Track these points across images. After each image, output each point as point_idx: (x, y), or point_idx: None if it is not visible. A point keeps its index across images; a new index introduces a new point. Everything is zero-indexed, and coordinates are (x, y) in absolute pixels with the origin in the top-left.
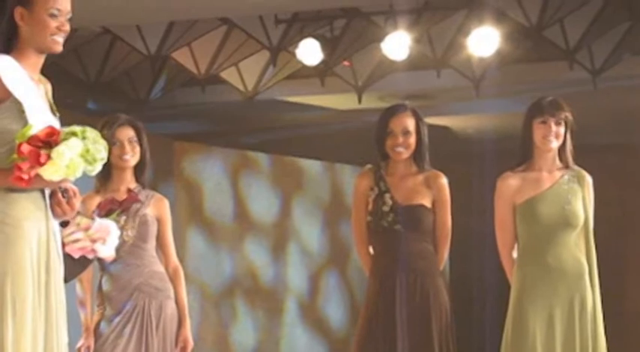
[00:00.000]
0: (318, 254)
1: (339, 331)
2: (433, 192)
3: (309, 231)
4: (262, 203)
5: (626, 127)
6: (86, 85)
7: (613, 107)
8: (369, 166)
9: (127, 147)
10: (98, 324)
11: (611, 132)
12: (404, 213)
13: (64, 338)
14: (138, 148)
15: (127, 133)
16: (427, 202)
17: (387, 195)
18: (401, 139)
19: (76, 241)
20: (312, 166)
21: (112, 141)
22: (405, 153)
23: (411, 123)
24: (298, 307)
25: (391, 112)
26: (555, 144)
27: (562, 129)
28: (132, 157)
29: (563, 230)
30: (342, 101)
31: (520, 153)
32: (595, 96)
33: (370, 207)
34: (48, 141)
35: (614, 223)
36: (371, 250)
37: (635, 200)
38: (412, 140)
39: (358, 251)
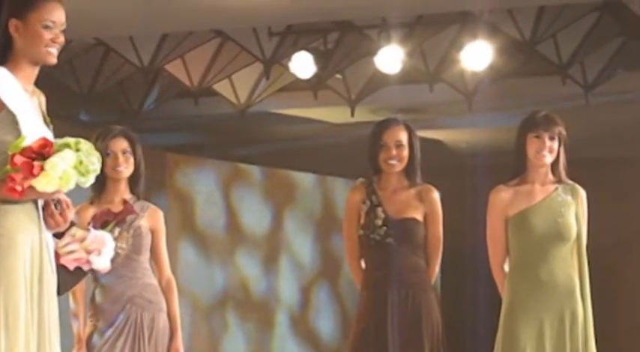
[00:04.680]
0: (310, 267)
1: (330, 344)
2: (425, 206)
3: (300, 244)
4: (254, 215)
5: (618, 142)
6: (79, 96)
7: (605, 122)
8: (361, 180)
9: (121, 159)
10: (90, 336)
11: (603, 146)
12: (396, 227)
13: (57, 350)
14: (132, 160)
15: (121, 145)
16: (419, 216)
17: (380, 209)
18: (394, 152)
19: (71, 252)
20: (304, 179)
21: (105, 153)
22: (398, 166)
23: (404, 137)
24: (289, 319)
25: (384, 125)
26: (549, 158)
27: (555, 144)
28: (125, 169)
29: (555, 243)
30: (334, 114)
31: (513, 167)
32: (587, 111)
33: (362, 220)
34: (41, 153)
35: (608, 237)
36: (362, 264)
37: (628, 214)
38: (405, 153)
39: (350, 264)
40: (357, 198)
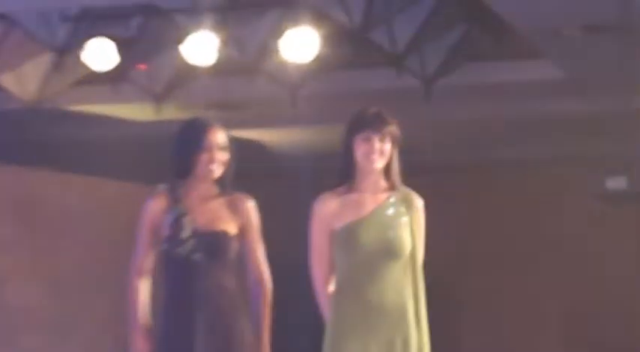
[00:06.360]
0: None
1: None
2: (240, 217)
3: None
4: None
5: (462, 143)
6: None
7: (447, 119)
8: (162, 186)
9: None
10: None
11: (446, 149)
12: (205, 241)
13: None
14: None
15: None
16: (232, 229)
17: (186, 219)
18: (218, 155)
19: None
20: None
21: None
22: (218, 172)
23: (224, 139)
24: None
25: (204, 125)
26: (380, 163)
27: (387, 146)
28: None
29: (386, 260)
30: (138, 111)
31: (340, 172)
32: (427, 107)
33: (166, 232)
34: None
35: (450, 253)
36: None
37: (475, 225)
38: (227, 157)
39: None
40: (158, 206)
